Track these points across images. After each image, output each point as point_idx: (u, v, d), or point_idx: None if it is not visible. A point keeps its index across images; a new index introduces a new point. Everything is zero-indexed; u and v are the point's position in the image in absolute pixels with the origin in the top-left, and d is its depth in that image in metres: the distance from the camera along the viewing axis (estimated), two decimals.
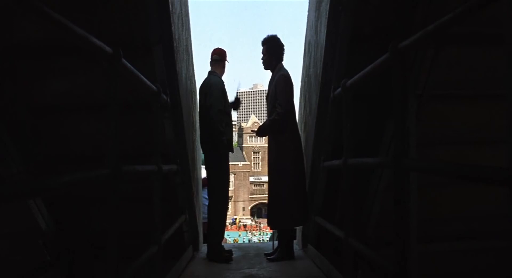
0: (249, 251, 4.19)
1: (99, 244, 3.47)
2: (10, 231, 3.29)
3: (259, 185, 54.14)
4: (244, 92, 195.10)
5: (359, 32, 2.67)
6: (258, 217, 52.06)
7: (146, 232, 2.64)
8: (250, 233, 40.72)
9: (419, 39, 1.70)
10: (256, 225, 46.83)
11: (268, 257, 3.73)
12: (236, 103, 4.06)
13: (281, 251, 3.72)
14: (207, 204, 4.15)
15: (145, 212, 2.77)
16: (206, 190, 4.49)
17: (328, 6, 2.82)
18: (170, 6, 2.87)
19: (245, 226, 46.33)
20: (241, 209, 53.94)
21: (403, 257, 1.60)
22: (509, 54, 1.22)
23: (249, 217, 52.92)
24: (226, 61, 4.00)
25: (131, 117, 2.89)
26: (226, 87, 3.92)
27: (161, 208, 2.64)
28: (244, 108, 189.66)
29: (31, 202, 3.17)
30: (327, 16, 2.87)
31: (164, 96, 2.81)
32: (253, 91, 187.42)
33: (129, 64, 1.87)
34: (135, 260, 2.13)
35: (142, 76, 2.20)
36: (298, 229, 4.30)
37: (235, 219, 48.73)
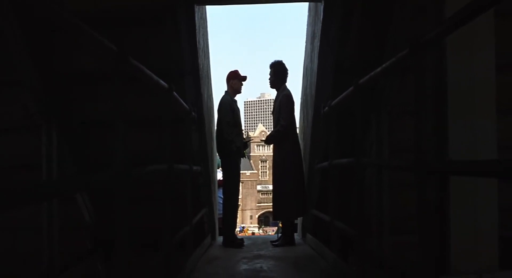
0: (257, 240, 5.00)
1: (136, 235, 4.27)
2: (61, 222, 4.08)
3: (266, 193, 54.29)
4: (252, 101, 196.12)
5: (341, 65, 3.50)
6: (265, 225, 52.30)
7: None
8: None
9: (374, 75, 2.51)
10: (264, 233, 47.19)
11: (273, 243, 4.54)
12: (244, 145, 4.79)
13: (284, 238, 4.53)
14: (221, 202, 4.97)
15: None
16: (221, 189, 5.32)
17: (318, 43, 3.66)
18: (197, 43, 3.73)
19: (253, 234, 46.77)
20: (248, 217, 54.41)
21: (361, 223, 2.41)
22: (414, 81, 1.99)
23: (257, 225, 53.27)
24: (233, 80, 4.75)
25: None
26: (240, 98, 4.71)
27: (191, 199, 3.46)
28: (252, 118, 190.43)
29: (79, 197, 3.97)
30: (318, 50, 3.71)
31: (193, 113, 3.66)
32: (261, 100, 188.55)
33: (177, 95, 2.71)
34: (174, 236, 2.92)
35: (182, 101, 3.04)
36: (299, 223, 5.10)
37: (243, 227, 49.12)
